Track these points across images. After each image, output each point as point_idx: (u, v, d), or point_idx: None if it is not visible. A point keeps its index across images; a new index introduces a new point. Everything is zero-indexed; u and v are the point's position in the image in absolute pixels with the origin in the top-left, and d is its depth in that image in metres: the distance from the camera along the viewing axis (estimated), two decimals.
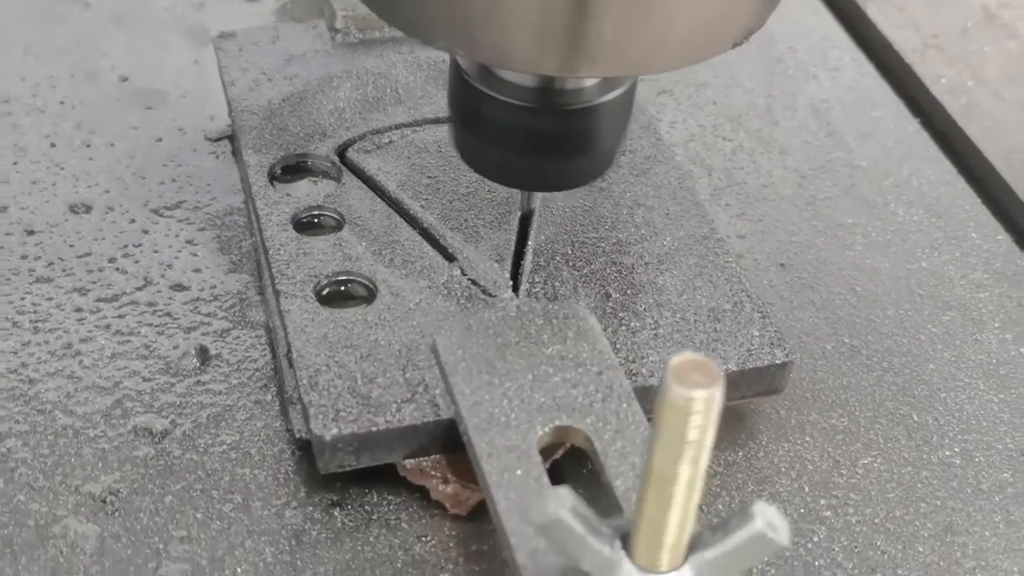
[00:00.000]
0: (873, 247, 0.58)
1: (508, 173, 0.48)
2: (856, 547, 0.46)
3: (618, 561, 0.36)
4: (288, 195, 0.52)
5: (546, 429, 0.44)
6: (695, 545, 0.36)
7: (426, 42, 0.42)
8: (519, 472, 0.42)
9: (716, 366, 0.32)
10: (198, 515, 0.45)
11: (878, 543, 0.46)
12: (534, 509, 0.36)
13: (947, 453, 0.49)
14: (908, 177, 0.62)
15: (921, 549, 0.46)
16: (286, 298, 0.48)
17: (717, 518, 0.46)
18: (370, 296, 0.49)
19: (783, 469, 0.48)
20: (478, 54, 0.42)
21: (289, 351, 0.47)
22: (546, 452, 0.44)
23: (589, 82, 0.45)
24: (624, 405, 0.44)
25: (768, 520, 0.35)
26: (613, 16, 0.39)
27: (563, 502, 0.35)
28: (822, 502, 0.47)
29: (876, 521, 0.47)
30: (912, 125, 0.65)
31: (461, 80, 0.46)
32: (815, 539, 0.46)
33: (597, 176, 0.49)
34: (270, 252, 0.49)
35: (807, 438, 0.50)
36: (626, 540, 0.36)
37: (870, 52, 0.70)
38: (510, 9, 0.39)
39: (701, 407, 0.32)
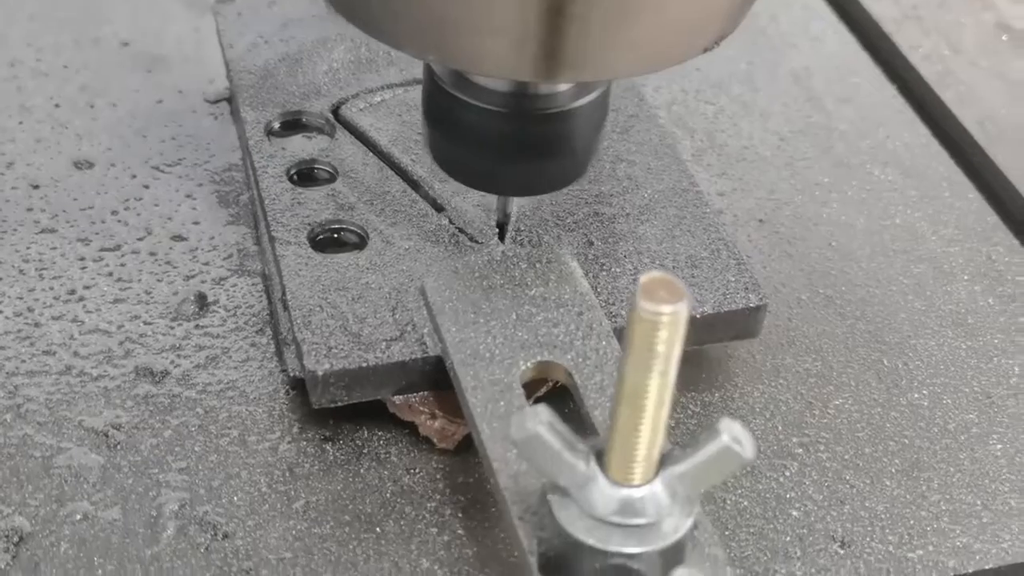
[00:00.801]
0: (849, 204, 0.60)
1: (484, 179, 0.49)
2: (826, 481, 0.48)
3: (593, 476, 0.38)
4: (283, 149, 0.54)
5: (528, 364, 0.46)
6: (666, 461, 0.38)
7: (394, 47, 0.43)
8: (502, 404, 0.44)
9: (682, 284, 0.34)
10: (196, 448, 0.47)
11: (847, 478, 0.48)
12: (513, 425, 0.38)
13: (915, 396, 0.51)
14: (884, 140, 0.64)
15: (888, 483, 0.48)
16: (281, 244, 0.50)
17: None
18: (361, 243, 0.51)
19: (758, 409, 0.50)
20: (447, 60, 0.42)
21: (284, 295, 0.49)
22: (529, 389, 0.46)
23: (564, 86, 0.46)
24: (603, 343, 0.46)
25: (734, 435, 0.37)
26: (585, 22, 0.39)
27: (540, 418, 0.37)
28: (794, 440, 0.49)
29: (846, 458, 0.49)
30: (889, 91, 0.67)
31: (434, 84, 0.47)
32: (787, 473, 0.48)
33: (575, 179, 0.50)
34: (266, 202, 0.52)
35: (781, 381, 0.52)
36: (600, 457, 0.38)
37: (851, 23, 0.72)
38: (480, 16, 0.40)
39: (668, 321, 0.34)
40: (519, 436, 0.37)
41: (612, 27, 0.40)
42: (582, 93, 0.46)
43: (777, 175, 0.61)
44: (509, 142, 0.47)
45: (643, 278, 0.34)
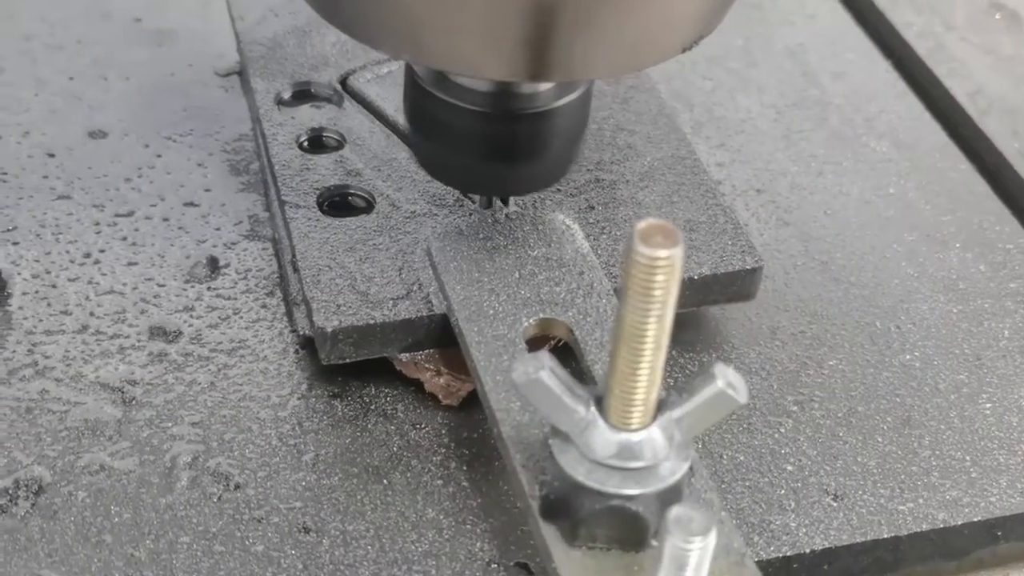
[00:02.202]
0: (844, 175, 0.61)
1: (466, 179, 0.50)
2: (820, 437, 0.49)
3: (592, 420, 0.39)
4: (293, 118, 0.55)
5: (531, 321, 0.47)
6: (662, 406, 0.40)
7: (371, 46, 0.43)
8: (505, 358, 0.46)
9: (678, 229, 0.36)
10: (208, 403, 0.48)
11: (840, 434, 0.50)
12: (515, 370, 0.39)
13: (908, 357, 0.53)
14: (878, 113, 0.65)
15: (880, 440, 0.50)
16: (291, 208, 0.51)
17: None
18: (369, 207, 0.52)
19: (754, 369, 0.52)
20: (422, 59, 0.43)
21: (294, 257, 0.50)
22: (531, 347, 0.48)
23: (545, 86, 0.46)
24: (603, 301, 0.48)
25: (728, 380, 0.39)
26: (562, 22, 0.40)
27: (541, 363, 0.39)
28: (789, 398, 0.51)
29: (839, 415, 0.50)
30: (883, 66, 0.68)
31: (414, 84, 0.47)
32: (782, 430, 0.50)
33: (556, 180, 0.51)
34: (276, 168, 0.53)
35: (777, 342, 0.53)
36: (600, 403, 0.40)
37: (845, 1, 0.73)
38: (456, 16, 0.40)
39: (665, 264, 0.35)
40: (521, 380, 0.39)
41: (589, 27, 0.40)
42: (563, 93, 0.47)
43: (774, 147, 0.62)
44: (488, 142, 0.47)
45: (640, 224, 0.36)
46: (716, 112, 0.64)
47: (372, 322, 0.48)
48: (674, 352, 0.52)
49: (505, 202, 0.53)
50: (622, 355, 0.38)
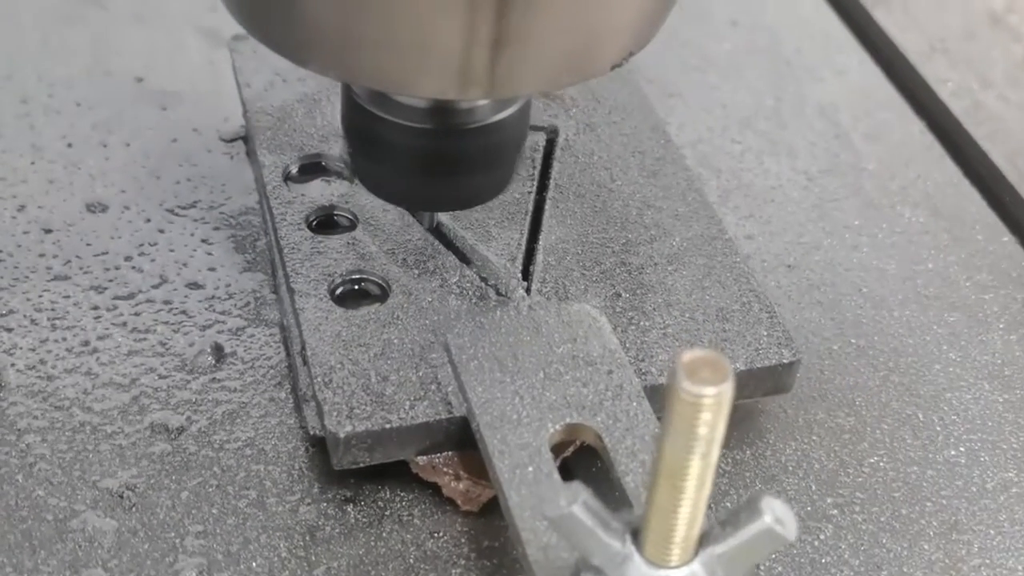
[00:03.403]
0: (880, 248, 0.58)
1: (401, 194, 0.49)
2: (862, 544, 0.47)
3: (629, 555, 0.37)
4: (302, 195, 0.53)
5: (557, 427, 0.44)
6: (704, 540, 0.37)
7: (298, 64, 0.42)
8: (531, 469, 0.43)
9: (726, 362, 0.33)
10: (214, 510, 0.46)
11: (884, 541, 0.47)
12: (547, 503, 0.36)
13: (952, 453, 0.50)
14: (914, 180, 0.62)
15: (927, 547, 0.47)
16: (301, 296, 0.49)
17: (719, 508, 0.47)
18: (383, 295, 0.49)
19: (790, 468, 0.49)
20: (349, 77, 0.42)
21: (303, 349, 0.48)
22: (557, 449, 0.45)
23: (481, 102, 0.45)
24: (634, 404, 0.45)
25: (776, 515, 0.36)
26: (490, 40, 0.39)
27: (575, 497, 0.36)
28: (829, 500, 0.48)
29: (882, 519, 0.47)
30: (917, 127, 0.66)
31: (351, 101, 0.46)
32: (822, 537, 0.47)
33: (495, 195, 0.50)
34: (285, 251, 0.50)
35: (814, 437, 0.50)
36: (637, 535, 0.37)
37: (876, 55, 0.70)
38: (382, 34, 0.39)
39: (712, 403, 0.33)
40: (554, 515, 0.36)
41: (518, 45, 0.39)
42: (498, 109, 0.46)
43: (805, 217, 0.60)
44: (424, 158, 0.46)
45: (685, 356, 0.33)
46: (744, 179, 0.61)
47: (388, 426, 0.45)
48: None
49: (527, 290, 0.50)
50: (662, 490, 0.35)
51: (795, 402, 0.51)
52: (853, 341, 0.54)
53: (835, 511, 0.48)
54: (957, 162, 0.64)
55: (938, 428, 0.51)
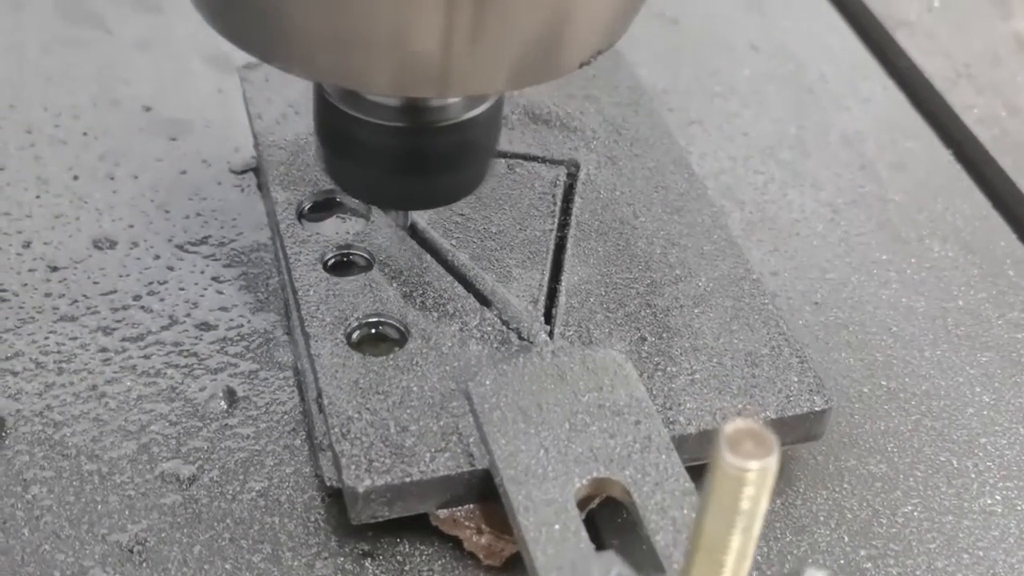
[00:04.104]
0: (908, 285, 0.57)
1: (371, 192, 0.48)
2: None
3: None
4: (317, 233, 0.51)
5: (584, 481, 0.43)
6: None
7: (263, 60, 0.42)
8: (557, 527, 0.41)
9: (771, 435, 0.31)
10: (227, 566, 0.44)
11: None
12: (579, 574, 0.35)
13: (988, 501, 0.48)
14: (942, 212, 0.61)
15: None
16: (316, 342, 0.47)
17: (756, 572, 0.45)
18: (401, 339, 0.48)
19: (822, 518, 0.47)
20: (314, 74, 0.41)
21: (319, 396, 0.46)
22: (583, 503, 0.43)
23: (453, 99, 0.45)
24: (663, 456, 0.43)
25: None
26: (454, 36, 0.38)
27: (609, 569, 0.34)
28: (862, 553, 0.46)
29: (918, 573, 0.46)
30: (945, 156, 0.64)
31: (322, 99, 0.45)
32: None
33: (468, 193, 0.49)
34: (299, 294, 0.49)
35: (845, 485, 0.49)
36: None
37: (901, 81, 0.69)
38: (347, 30, 0.38)
39: (756, 477, 0.31)
40: None
41: (484, 42, 0.39)
42: (471, 106, 0.45)
43: (832, 252, 0.58)
44: (394, 156, 0.45)
45: (727, 427, 0.31)
46: (768, 211, 0.60)
47: (408, 480, 0.43)
48: None
49: (550, 335, 0.48)
50: (700, 565, 0.33)
51: (825, 448, 0.50)
52: (884, 383, 0.52)
53: (869, 564, 0.46)
54: (986, 193, 0.62)
55: (972, 475, 0.49)
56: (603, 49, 0.42)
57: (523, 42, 0.39)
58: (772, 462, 0.31)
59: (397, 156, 0.45)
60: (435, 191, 0.47)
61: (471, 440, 0.44)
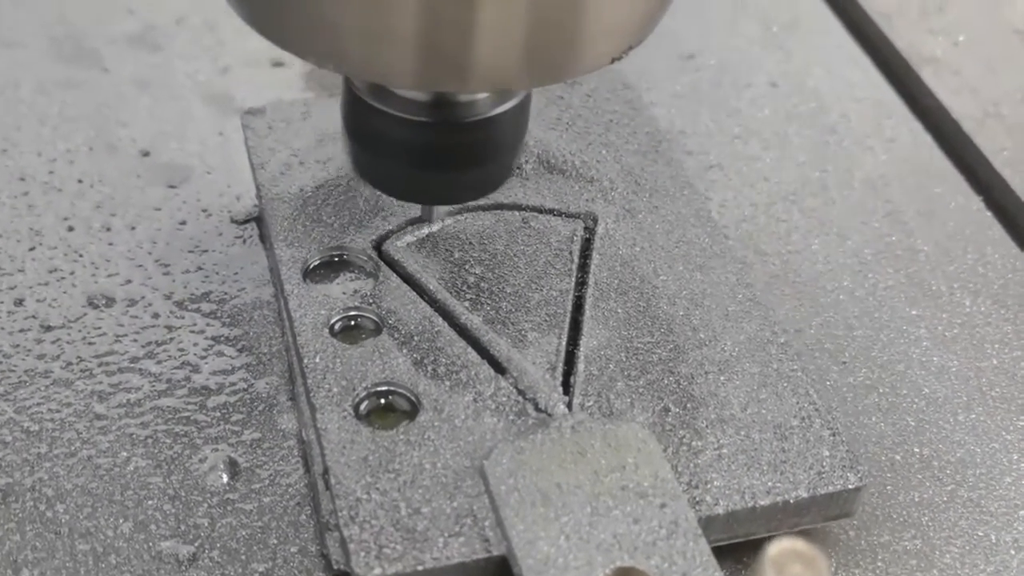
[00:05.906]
0: (940, 343, 0.54)
1: (408, 188, 0.48)
2: None
3: None
4: (324, 295, 0.49)
5: (607, 571, 0.40)
6: None
7: (297, 55, 0.42)
8: None
9: (822, 557, 0.29)
10: None
11: None
12: None
13: None
14: (973, 264, 0.58)
15: None
16: (323, 414, 0.45)
17: None
18: (412, 410, 0.45)
19: None
20: (347, 69, 0.41)
21: (326, 472, 0.44)
22: None
23: (482, 95, 0.44)
24: (691, 543, 0.41)
25: None
26: (487, 31, 0.38)
27: None
28: None
29: None
30: (974, 203, 0.61)
31: (351, 94, 0.45)
32: None
33: (496, 187, 0.49)
34: (305, 360, 0.46)
35: (879, 563, 0.46)
36: None
37: (926, 120, 0.66)
38: (380, 25, 0.39)
39: None
40: None
41: (516, 37, 0.39)
42: (498, 103, 0.45)
43: (859, 308, 0.56)
44: (425, 152, 0.45)
45: (772, 548, 0.29)
46: (792, 263, 0.57)
47: (420, 568, 0.41)
48: None
49: (568, 406, 0.46)
50: None
51: (857, 522, 0.47)
52: (916, 451, 0.50)
53: None
54: (1017, 242, 0.60)
55: (1012, 551, 0.47)
56: (634, 44, 0.42)
57: (552, 37, 0.39)
58: None
59: (422, 151, 0.45)
60: (463, 185, 0.47)
61: (487, 523, 0.42)
